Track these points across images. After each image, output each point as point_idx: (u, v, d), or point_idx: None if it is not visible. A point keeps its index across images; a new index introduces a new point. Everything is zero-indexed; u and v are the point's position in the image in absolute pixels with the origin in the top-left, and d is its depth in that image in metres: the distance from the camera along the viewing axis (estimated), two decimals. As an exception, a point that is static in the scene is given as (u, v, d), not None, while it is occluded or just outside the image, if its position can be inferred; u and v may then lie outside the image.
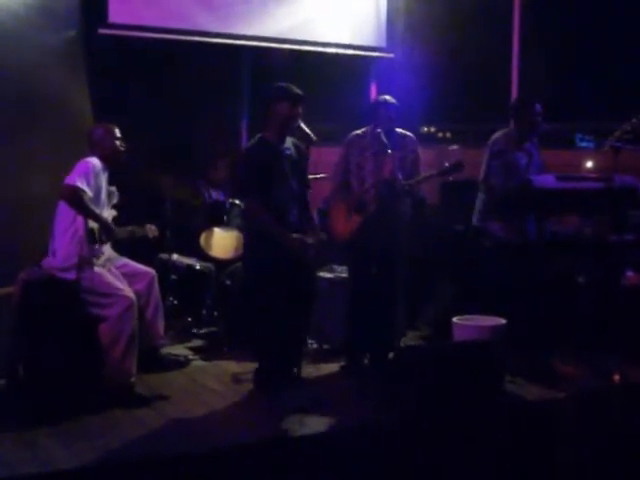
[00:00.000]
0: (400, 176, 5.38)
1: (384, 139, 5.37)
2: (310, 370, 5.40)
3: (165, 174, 6.16)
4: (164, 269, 6.06)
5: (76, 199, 4.76)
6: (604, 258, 5.57)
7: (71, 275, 4.80)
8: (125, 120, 5.32)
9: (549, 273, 5.54)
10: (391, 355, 5.51)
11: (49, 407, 4.53)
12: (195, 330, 6.21)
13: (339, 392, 5.09)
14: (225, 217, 6.34)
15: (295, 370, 5.05)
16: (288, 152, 5.10)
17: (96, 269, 4.86)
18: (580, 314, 5.57)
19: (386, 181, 5.38)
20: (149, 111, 6.73)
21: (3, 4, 5.45)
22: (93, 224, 4.88)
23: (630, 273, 5.64)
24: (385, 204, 5.39)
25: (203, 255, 6.30)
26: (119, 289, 4.85)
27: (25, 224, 5.40)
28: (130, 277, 5.13)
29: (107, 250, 5.07)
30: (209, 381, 5.27)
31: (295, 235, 4.97)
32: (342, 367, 5.56)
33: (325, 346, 5.90)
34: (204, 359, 5.71)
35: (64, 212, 4.88)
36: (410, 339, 6.17)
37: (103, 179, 5.00)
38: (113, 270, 5.06)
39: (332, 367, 5.58)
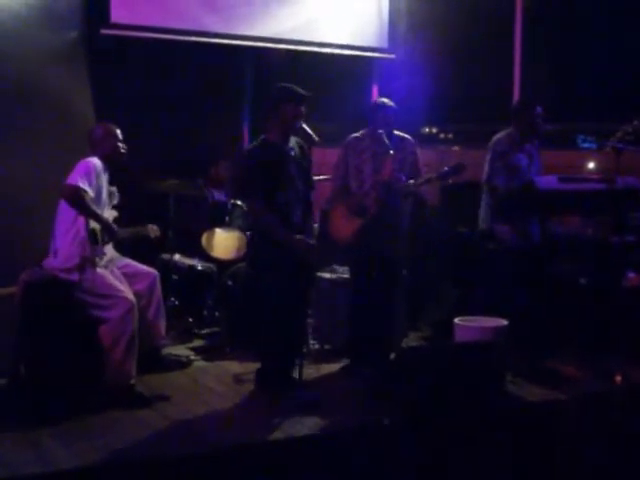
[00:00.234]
0: (404, 177, 5.40)
1: (386, 140, 5.37)
2: (311, 371, 5.39)
3: (167, 175, 6.17)
4: (166, 269, 6.07)
5: (77, 199, 4.76)
6: (606, 259, 5.57)
7: (73, 276, 4.80)
8: (127, 121, 5.32)
9: (551, 274, 5.54)
10: (392, 356, 5.51)
11: (50, 407, 4.53)
12: (196, 330, 6.22)
13: (340, 393, 5.10)
14: (227, 218, 6.35)
15: (296, 371, 5.05)
16: (293, 153, 5.10)
17: (98, 270, 4.86)
18: (582, 315, 5.57)
19: (385, 182, 5.38)
20: (151, 112, 6.73)
21: (5, 4, 5.45)
22: (94, 225, 4.88)
23: (631, 274, 5.64)
24: (385, 206, 5.39)
25: (205, 255, 6.31)
26: (120, 291, 4.85)
27: (27, 224, 5.40)
28: (132, 277, 5.13)
29: (109, 251, 5.07)
30: (210, 381, 5.27)
31: (298, 236, 4.97)
32: (343, 368, 5.56)
33: (326, 347, 5.90)
34: (205, 359, 5.71)
35: (65, 212, 4.87)
36: (412, 340, 6.16)
37: (104, 179, 5.00)
38: (115, 271, 5.06)
39: (333, 368, 5.58)
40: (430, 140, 7.68)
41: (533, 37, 7.33)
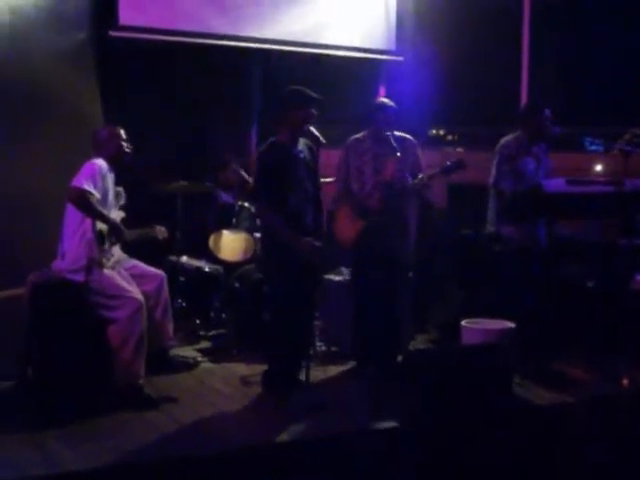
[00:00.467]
0: (409, 178, 5.40)
1: (393, 142, 5.38)
2: (318, 373, 5.39)
3: (175, 176, 6.17)
4: (173, 271, 6.07)
5: (83, 201, 4.77)
6: (613, 262, 5.56)
7: (80, 277, 4.81)
8: (135, 123, 5.33)
9: (558, 277, 5.53)
10: (400, 358, 5.50)
11: (57, 409, 4.54)
12: (203, 332, 6.22)
13: (347, 395, 5.09)
14: (234, 220, 6.35)
15: (303, 373, 5.05)
16: (302, 155, 5.10)
17: (105, 271, 4.87)
18: (589, 318, 5.56)
19: (387, 183, 5.38)
20: (159, 114, 6.74)
21: (14, 7, 5.47)
22: (102, 226, 4.89)
23: (639, 277, 5.62)
24: (388, 206, 5.39)
25: (212, 257, 6.32)
26: (128, 291, 4.86)
27: (36, 226, 5.41)
28: (139, 278, 5.14)
29: (116, 252, 5.08)
30: (217, 383, 5.27)
31: (306, 238, 4.98)
32: (350, 370, 5.56)
33: (333, 348, 5.89)
34: (212, 361, 5.72)
35: (72, 214, 4.89)
36: (419, 342, 6.16)
37: (110, 180, 5.01)
38: (122, 272, 5.07)
39: (340, 369, 5.58)
40: (437, 142, 7.68)
41: (541, 40, 7.32)
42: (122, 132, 5.13)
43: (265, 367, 5.15)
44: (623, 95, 6.79)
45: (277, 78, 7.05)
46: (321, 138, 5.23)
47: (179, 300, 6.12)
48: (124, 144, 5.11)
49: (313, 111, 5.05)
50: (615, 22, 6.94)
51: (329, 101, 5.17)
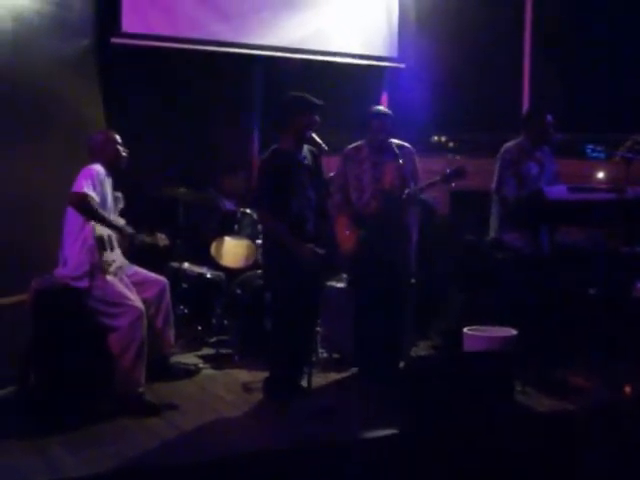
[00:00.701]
0: (411, 184, 5.41)
1: (396, 150, 5.39)
2: (320, 379, 5.39)
3: (177, 183, 6.18)
4: (175, 277, 6.07)
5: (85, 205, 4.77)
6: (615, 269, 5.55)
7: (83, 283, 4.81)
8: (137, 129, 5.34)
9: (560, 284, 5.53)
10: (402, 365, 5.50)
11: (60, 414, 4.55)
12: (205, 339, 6.22)
13: (349, 402, 5.09)
14: (236, 226, 6.35)
15: (305, 379, 5.05)
16: (306, 161, 5.11)
17: (108, 278, 4.86)
18: (591, 325, 5.56)
19: (385, 191, 5.39)
20: (161, 120, 6.75)
21: (17, 14, 5.47)
22: (102, 231, 4.89)
23: (640, 285, 5.63)
24: (387, 214, 5.39)
25: (214, 264, 6.32)
26: (129, 299, 4.86)
27: (39, 231, 5.41)
28: (140, 285, 5.14)
29: (118, 258, 5.08)
30: (219, 390, 5.27)
31: (309, 245, 4.98)
32: (352, 376, 5.55)
33: (335, 355, 5.90)
34: (214, 368, 5.72)
35: (72, 221, 4.89)
36: (421, 349, 6.16)
37: (108, 185, 5.02)
38: (124, 278, 5.07)
39: (342, 376, 5.57)
40: (439, 149, 7.68)
41: (542, 47, 7.33)
42: (116, 136, 5.13)
43: (267, 374, 5.15)
44: (624, 102, 6.80)
45: (279, 82, 7.07)
46: (323, 145, 5.23)
47: (181, 306, 6.12)
48: (120, 148, 5.12)
49: (316, 117, 5.06)
50: (617, 29, 6.95)
51: (331, 107, 5.17)
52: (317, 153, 5.23)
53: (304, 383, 5.07)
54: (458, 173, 5.38)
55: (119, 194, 5.19)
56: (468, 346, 5.39)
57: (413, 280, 5.78)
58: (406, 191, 5.39)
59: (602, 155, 5.43)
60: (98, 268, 4.81)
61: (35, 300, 4.87)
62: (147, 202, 6.18)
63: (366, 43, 7.65)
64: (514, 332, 5.34)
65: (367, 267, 5.46)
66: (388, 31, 7.76)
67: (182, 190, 6.17)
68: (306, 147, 5.17)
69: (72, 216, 4.88)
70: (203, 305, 6.26)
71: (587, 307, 5.63)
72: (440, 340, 6.33)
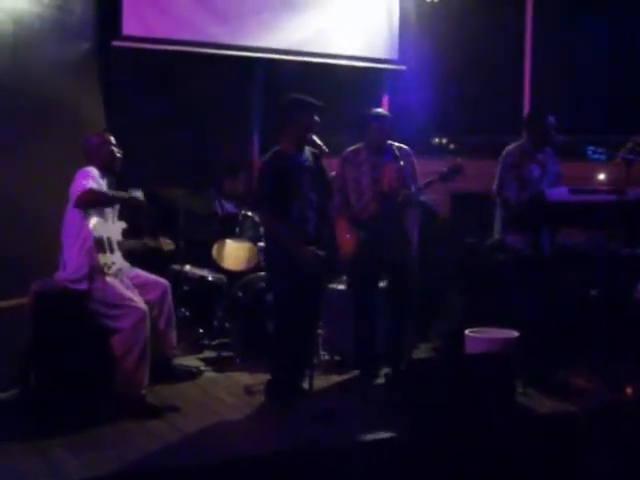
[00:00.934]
0: (412, 186, 5.41)
1: (397, 152, 5.40)
2: (321, 382, 5.39)
3: (178, 186, 6.18)
4: (176, 280, 6.07)
5: (93, 197, 4.78)
6: (617, 271, 5.55)
7: (83, 285, 4.81)
8: (138, 132, 5.34)
9: (562, 285, 5.53)
10: (403, 367, 5.50)
11: (61, 417, 4.55)
12: (207, 341, 6.23)
13: (350, 404, 5.08)
14: (237, 229, 6.36)
15: (307, 382, 5.05)
16: (307, 163, 5.11)
17: (108, 280, 4.86)
18: (592, 327, 5.55)
19: (385, 193, 5.39)
20: (161, 123, 6.75)
21: (17, 17, 5.48)
22: (101, 232, 4.89)
23: (641, 286, 5.63)
24: (386, 216, 5.39)
25: (215, 266, 6.32)
26: (131, 300, 4.86)
27: (38, 235, 5.41)
28: (142, 287, 5.14)
29: (119, 260, 5.08)
30: (220, 392, 5.27)
31: (310, 247, 4.98)
32: (353, 379, 5.55)
33: (336, 358, 5.90)
34: (216, 370, 5.72)
35: (70, 224, 4.89)
36: (422, 351, 6.16)
37: (103, 186, 5.01)
38: (125, 280, 5.07)
39: (343, 379, 5.57)
40: (440, 151, 7.68)
41: (543, 49, 7.33)
42: (111, 137, 5.13)
43: (268, 376, 5.15)
44: (625, 103, 6.80)
45: (279, 83, 7.07)
46: (323, 147, 5.24)
47: (182, 309, 6.12)
48: (115, 149, 5.12)
49: (316, 119, 5.06)
50: (620, 31, 6.95)
51: (331, 109, 5.18)
52: (319, 154, 5.23)
53: (305, 385, 5.06)
54: (455, 170, 5.39)
55: (139, 192, 5.14)
56: (469, 348, 5.40)
57: (414, 282, 5.77)
58: (402, 192, 5.38)
59: (603, 157, 5.42)
60: (97, 270, 4.80)
61: (35, 303, 4.87)
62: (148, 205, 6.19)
63: (367, 45, 7.66)
64: (515, 334, 5.35)
65: (367, 269, 5.46)
66: (389, 33, 7.78)
67: (183, 192, 6.17)
68: (308, 149, 5.17)
69: (70, 218, 4.88)
70: (204, 308, 6.26)
71: (588, 308, 5.62)
72: (441, 342, 6.34)
